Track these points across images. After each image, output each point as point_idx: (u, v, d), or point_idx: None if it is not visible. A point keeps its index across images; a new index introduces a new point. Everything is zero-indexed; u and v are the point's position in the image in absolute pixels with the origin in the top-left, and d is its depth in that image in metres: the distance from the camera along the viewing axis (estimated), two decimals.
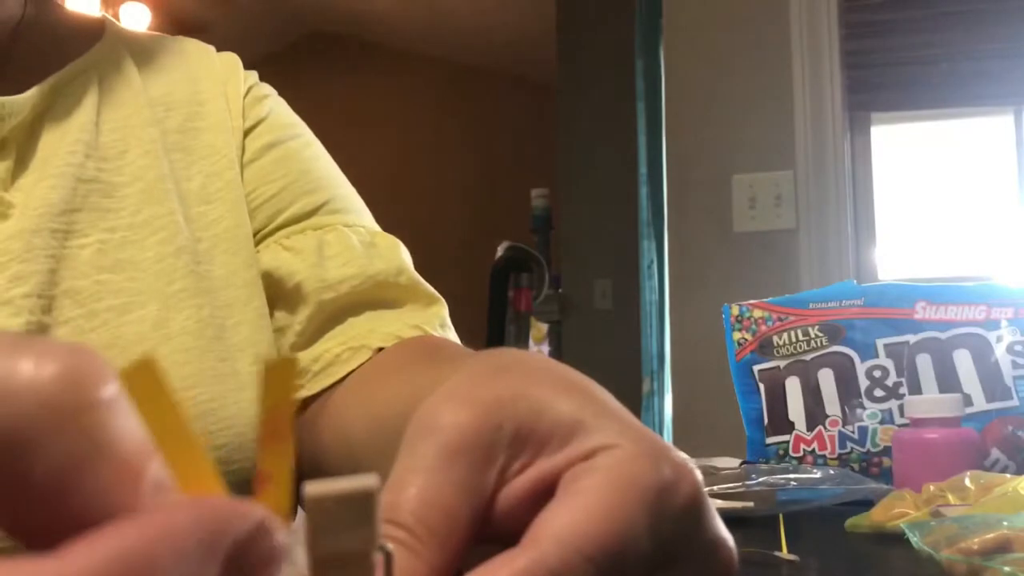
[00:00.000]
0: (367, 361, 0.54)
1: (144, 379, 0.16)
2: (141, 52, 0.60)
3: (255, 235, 0.58)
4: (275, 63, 3.98)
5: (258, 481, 0.17)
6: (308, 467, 0.53)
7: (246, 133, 0.60)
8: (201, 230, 0.55)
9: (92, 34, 0.59)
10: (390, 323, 0.56)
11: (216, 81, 0.61)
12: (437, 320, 0.58)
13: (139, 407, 0.16)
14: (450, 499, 0.22)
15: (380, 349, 0.54)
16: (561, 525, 0.22)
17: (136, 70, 0.59)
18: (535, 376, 0.25)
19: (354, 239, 0.58)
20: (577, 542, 0.21)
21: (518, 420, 0.23)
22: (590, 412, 0.24)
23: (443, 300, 0.60)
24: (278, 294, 0.57)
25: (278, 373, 0.17)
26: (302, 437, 0.54)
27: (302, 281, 0.56)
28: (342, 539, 0.18)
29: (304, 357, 0.56)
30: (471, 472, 0.23)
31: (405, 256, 0.60)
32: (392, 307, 0.57)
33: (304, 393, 0.55)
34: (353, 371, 0.54)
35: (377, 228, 0.62)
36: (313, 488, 0.17)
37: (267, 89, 0.64)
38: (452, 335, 0.58)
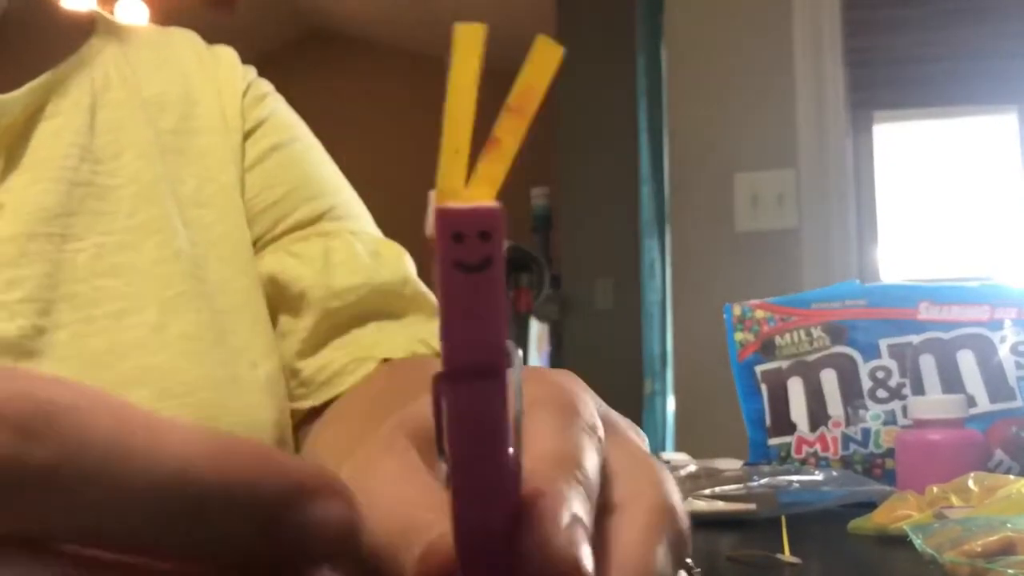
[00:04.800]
0: (362, 378, 0.54)
1: (470, 40, 0.18)
2: (133, 48, 0.59)
3: (258, 240, 0.58)
4: (272, 61, 3.97)
5: (488, 143, 0.19)
6: None
7: (247, 135, 0.60)
8: (196, 234, 0.55)
9: (82, 30, 0.58)
10: (395, 335, 0.56)
11: (208, 78, 0.60)
12: None
13: (455, 64, 0.18)
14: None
15: (385, 360, 0.55)
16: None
17: (129, 68, 0.58)
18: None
19: (359, 247, 0.58)
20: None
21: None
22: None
23: None
24: (283, 299, 0.57)
25: (546, 55, 0.19)
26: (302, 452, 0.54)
27: (308, 287, 0.56)
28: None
29: (309, 366, 0.55)
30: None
31: (409, 265, 0.60)
32: (396, 318, 0.57)
33: (309, 403, 0.55)
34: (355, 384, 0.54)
35: (380, 234, 0.62)
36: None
37: (266, 87, 0.63)
38: None
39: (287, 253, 0.57)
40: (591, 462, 0.22)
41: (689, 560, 0.26)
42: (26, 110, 0.52)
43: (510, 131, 0.19)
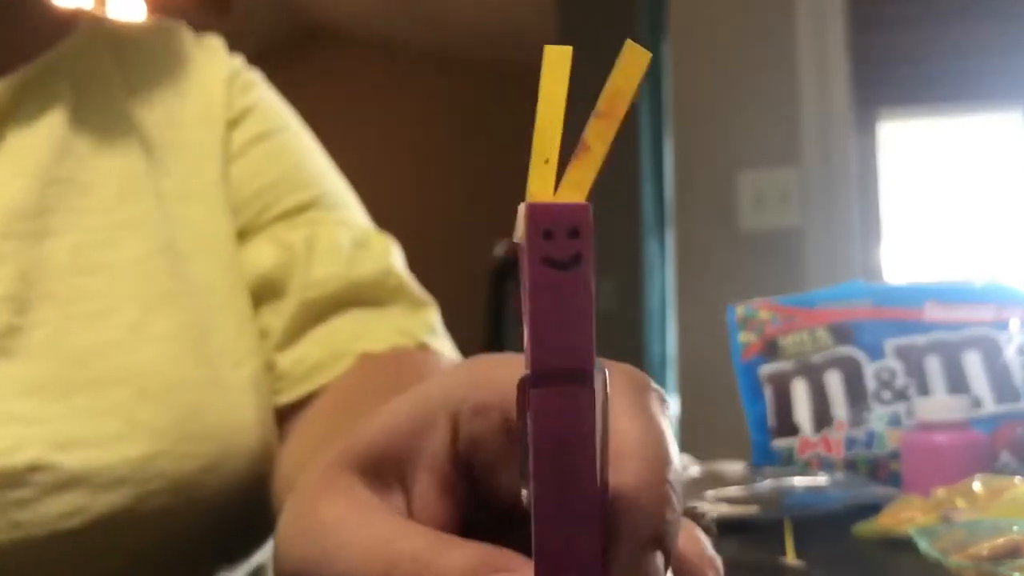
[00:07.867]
0: (341, 374, 0.53)
1: (559, 60, 0.19)
2: (118, 44, 0.58)
3: (243, 229, 0.57)
4: (268, 57, 3.97)
5: (578, 149, 0.20)
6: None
7: (232, 124, 0.59)
8: (179, 230, 0.54)
9: (63, 26, 0.57)
10: (375, 326, 0.54)
11: (196, 71, 0.59)
12: (425, 327, 0.56)
13: (546, 81, 0.19)
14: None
15: (364, 354, 0.53)
16: None
17: (114, 64, 0.57)
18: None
19: (344, 238, 0.57)
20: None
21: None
22: None
23: (434, 303, 0.58)
24: (264, 291, 0.55)
25: (634, 59, 0.19)
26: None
27: (287, 276, 0.55)
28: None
29: (285, 358, 0.54)
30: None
31: (396, 256, 0.58)
32: (377, 308, 0.55)
33: (285, 399, 0.54)
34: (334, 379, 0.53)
35: (370, 225, 0.61)
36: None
37: (253, 76, 0.62)
38: (442, 341, 0.57)
39: (271, 241, 0.56)
40: (675, 447, 0.22)
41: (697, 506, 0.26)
42: (0, 105, 0.51)
43: (599, 136, 0.20)
